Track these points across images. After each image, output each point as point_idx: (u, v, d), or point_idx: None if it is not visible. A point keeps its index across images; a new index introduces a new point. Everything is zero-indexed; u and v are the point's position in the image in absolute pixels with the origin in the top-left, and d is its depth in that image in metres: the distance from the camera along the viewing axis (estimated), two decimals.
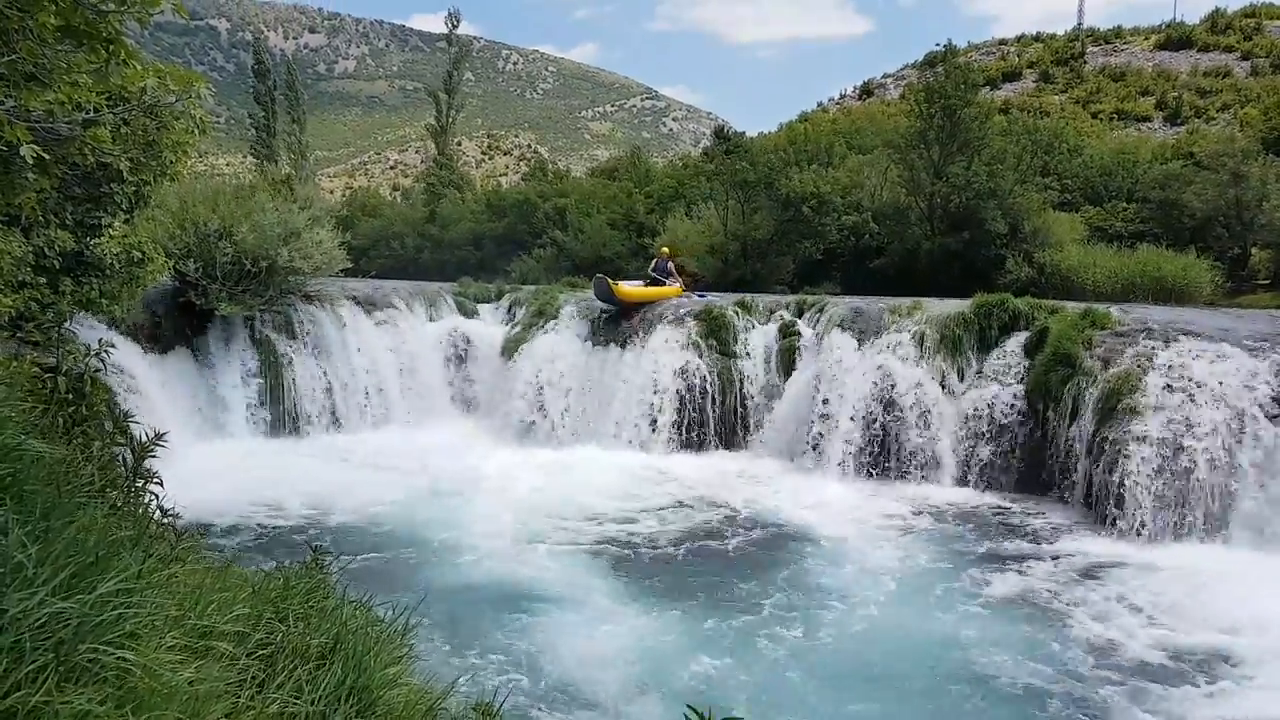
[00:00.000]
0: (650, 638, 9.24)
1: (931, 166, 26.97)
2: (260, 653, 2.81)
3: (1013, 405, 15.63)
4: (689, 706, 1.84)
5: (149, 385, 14.18)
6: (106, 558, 2.16)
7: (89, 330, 11.80)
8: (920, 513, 14.34)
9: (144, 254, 12.01)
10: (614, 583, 10.93)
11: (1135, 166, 31.80)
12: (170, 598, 2.60)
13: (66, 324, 10.69)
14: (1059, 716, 7.89)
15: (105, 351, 4.54)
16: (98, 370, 4.39)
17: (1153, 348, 14.19)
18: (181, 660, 2.32)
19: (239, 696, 2.41)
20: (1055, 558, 12.17)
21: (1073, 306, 16.60)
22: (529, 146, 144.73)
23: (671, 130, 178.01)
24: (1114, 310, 16.21)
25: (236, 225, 16.52)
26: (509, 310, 23.14)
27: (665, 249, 22.17)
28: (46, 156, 4.35)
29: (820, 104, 67.28)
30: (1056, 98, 52.42)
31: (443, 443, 17.96)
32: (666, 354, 18.89)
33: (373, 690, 2.93)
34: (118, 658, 1.96)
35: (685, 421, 18.39)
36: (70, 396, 3.93)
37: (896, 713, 7.86)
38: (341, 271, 19.74)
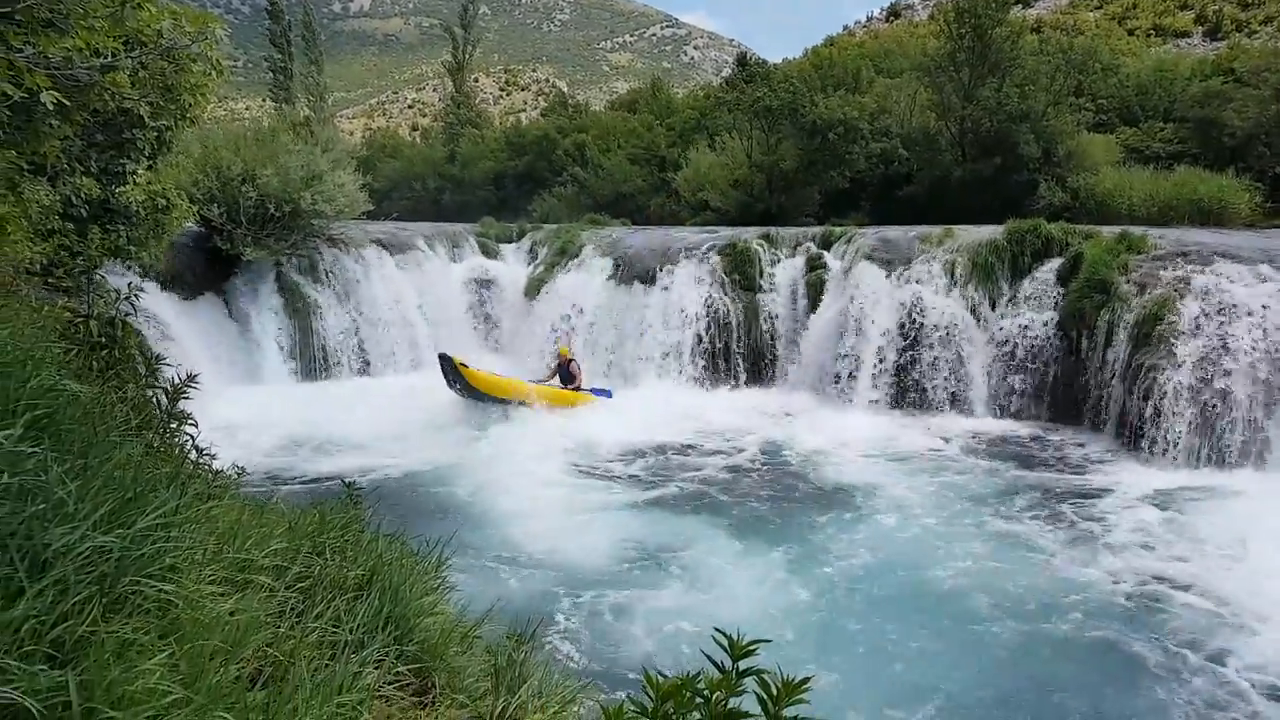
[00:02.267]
0: (676, 568, 9.38)
1: (962, 89, 26.14)
2: (299, 585, 2.87)
3: (1046, 333, 15.43)
4: (716, 629, 1.85)
5: (180, 331, 14.38)
6: (144, 494, 2.20)
7: (118, 278, 11.90)
8: (951, 443, 14.32)
9: (169, 200, 12.04)
10: (640, 517, 11.06)
11: (1173, 84, 30.58)
12: (209, 533, 2.65)
13: (97, 271, 10.80)
14: (1091, 641, 7.95)
15: (135, 295, 4.58)
16: (128, 314, 4.44)
17: (1190, 271, 13.87)
18: (222, 593, 2.37)
19: (279, 626, 2.47)
20: (1087, 486, 12.14)
21: (1108, 231, 16.22)
22: (547, 81, 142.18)
23: (693, 59, 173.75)
24: (1150, 234, 15.82)
25: (259, 169, 16.49)
26: (531, 250, 23.06)
27: (565, 349, 17.08)
28: (67, 103, 4.32)
29: (846, 27, 65.37)
30: (1091, 14, 50.40)
31: None
32: (690, 290, 18.79)
33: (409, 619, 2.99)
34: (159, 590, 2.01)
35: (711, 358, 18.37)
36: (102, 340, 3.98)
37: (919, 638, 7.94)
38: (363, 214, 19.72)
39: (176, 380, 4.05)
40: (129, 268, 12.41)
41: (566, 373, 16.35)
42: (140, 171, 10.98)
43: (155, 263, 14.23)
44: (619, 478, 12.69)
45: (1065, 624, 8.24)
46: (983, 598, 8.72)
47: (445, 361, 15.25)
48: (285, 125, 19.18)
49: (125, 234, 11.67)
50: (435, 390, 15.96)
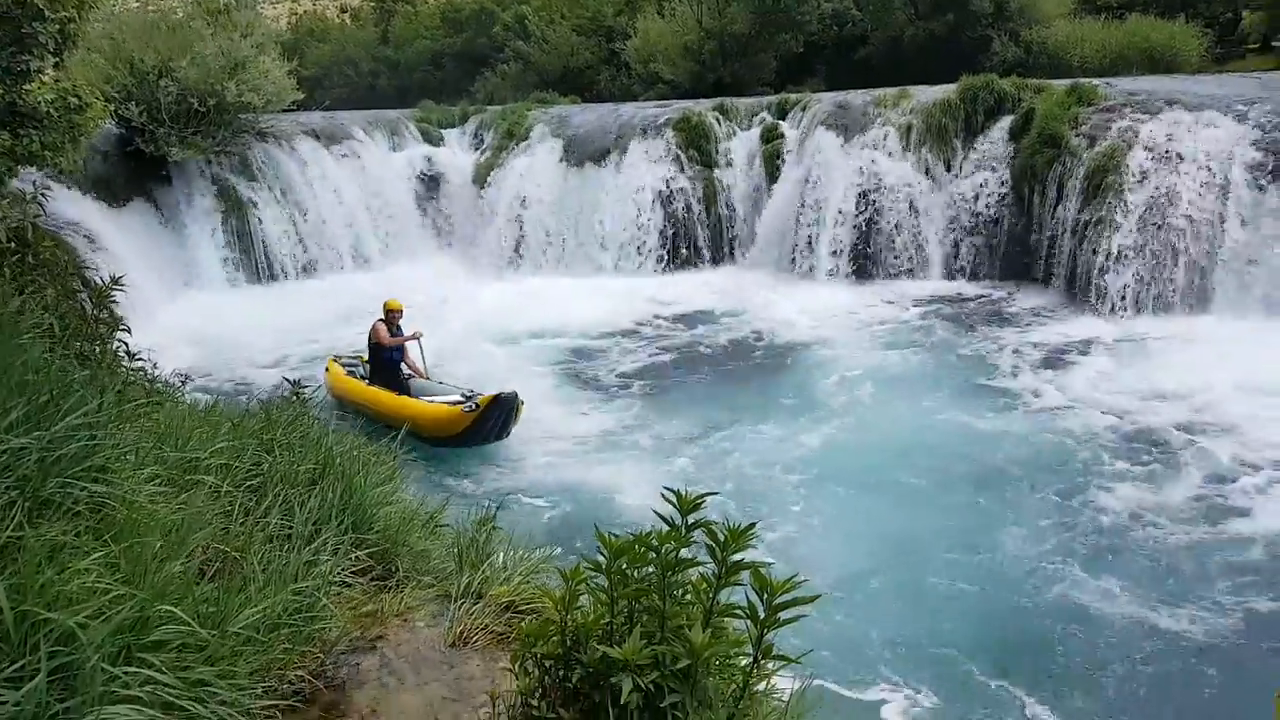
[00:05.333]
0: (636, 443, 9.52)
1: None
2: (249, 484, 2.82)
3: (999, 192, 15.44)
4: (666, 488, 1.84)
5: (111, 241, 13.70)
6: (61, 395, 2.10)
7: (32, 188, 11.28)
8: (909, 308, 14.53)
9: (81, 99, 11.33)
10: (599, 399, 11.12)
11: None
12: (144, 434, 2.57)
13: (11, 179, 10.19)
14: (1039, 487, 8.27)
15: (41, 194, 4.32)
16: (38, 215, 4.19)
17: (1138, 121, 13.86)
18: (163, 493, 2.32)
19: (228, 524, 2.43)
20: (1040, 340, 12.45)
21: (1060, 84, 16.03)
22: None
23: None
24: (1101, 85, 15.67)
25: (175, 60, 15.48)
26: (476, 134, 22.13)
27: (394, 301, 10.14)
28: None
29: None
30: None
31: (419, 280, 17.52)
32: (645, 170, 18.30)
33: (366, 509, 2.98)
34: (89, 491, 1.94)
35: (670, 239, 18.09)
36: (13, 245, 3.75)
37: (877, 493, 8.18)
38: (294, 105, 18.63)
39: (101, 282, 3.86)
40: (49, 175, 11.77)
41: (398, 356, 10.06)
42: (48, 70, 10.32)
43: (74, 168, 13.49)
44: (577, 363, 12.67)
45: (1029, 466, 8.57)
46: (942, 452, 8.98)
47: None
48: (199, 12, 17.82)
49: (38, 138, 11.01)
50: (381, 288, 15.61)
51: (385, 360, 9.90)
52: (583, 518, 7.86)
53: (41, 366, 2.21)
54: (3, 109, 10.43)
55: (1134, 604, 6.30)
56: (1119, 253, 12.90)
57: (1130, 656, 5.77)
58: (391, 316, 9.90)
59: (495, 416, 9.04)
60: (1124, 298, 12.78)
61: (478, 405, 8.95)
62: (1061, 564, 6.88)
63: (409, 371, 10.07)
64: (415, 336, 10.00)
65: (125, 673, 1.61)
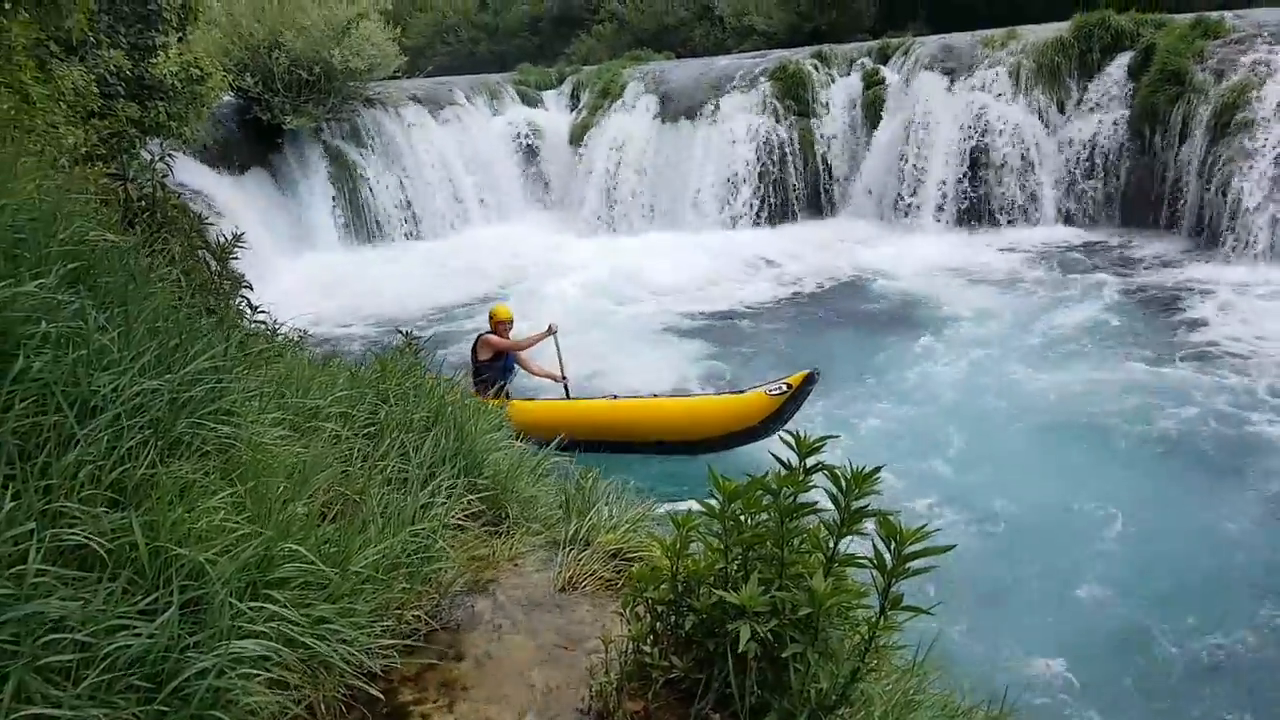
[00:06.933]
0: None
1: None
2: (366, 431, 2.89)
3: (1117, 134, 14.50)
4: (785, 429, 1.76)
5: (231, 206, 14.38)
6: (189, 341, 2.17)
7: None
8: (1022, 257, 13.90)
9: (202, 71, 11.84)
10: (706, 359, 10.98)
11: None
12: (267, 381, 2.65)
13: (138, 149, 10.77)
14: (1173, 453, 7.80)
15: (168, 157, 4.54)
16: (165, 175, 4.40)
17: (1270, 53, 12.81)
18: (286, 438, 2.38)
19: (347, 468, 2.48)
20: (1165, 288, 11.72)
21: (1182, 18, 14.91)
22: None
23: None
24: (1228, 16, 14.45)
25: (282, 32, 16.07)
26: (573, 95, 22.16)
27: (504, 308, 8.29)
28: None
29: None
30: None
31: (520, 239, 17.84)
32: (740, 122, 17.92)
33: (477, 454, 3.02)
34: (217, 432, 2.00)
35: (767, 193, 17.70)
36: (142, 204, 3.95)
37: (993, 461, 7.80)
38: (399, 73, 19.09)
39: (223, 240, 4.02)
40: (174, 145, 12.38)
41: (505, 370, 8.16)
42: (172, 44, 10.77)
43: (197, 137, 14.17)
44: (680, 326, 12.50)
45: (1159, 429, 8.06)
46: (1065, 414, 8.53)
47: None
48: None
49: (164, 109, 11.54)
50: (484, 248, 15.84)
51: (495, 378, 7.81)
52: (688, 476, 7.79)
53: (170, 313, 2.30)
54: (131, 82, 10.98)
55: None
56: (1254, 195, 11.95)
57: None
58: (501, 328, 8.04)
59: (800, 399, 7.60)
60: (1257, 243, 11.86)
61: (788, 386, 7.48)
62: (1205, 551, 6.22)
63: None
64: (550, 332, 8.01)
65: (251, 608, 1.65)
